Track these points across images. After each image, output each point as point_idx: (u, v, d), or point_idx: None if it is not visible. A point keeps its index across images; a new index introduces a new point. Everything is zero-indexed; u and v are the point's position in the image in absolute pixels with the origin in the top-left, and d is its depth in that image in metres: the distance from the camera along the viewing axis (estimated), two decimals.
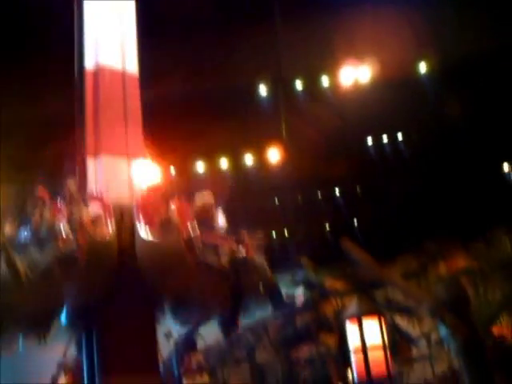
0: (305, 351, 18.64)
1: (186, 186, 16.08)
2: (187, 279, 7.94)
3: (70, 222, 7.88)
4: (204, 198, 8.60)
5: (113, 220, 8.14)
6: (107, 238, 7.93)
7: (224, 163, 15.97)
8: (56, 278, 7.36)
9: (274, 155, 15.87)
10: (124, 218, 8.41)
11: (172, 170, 15.38)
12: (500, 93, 16.04)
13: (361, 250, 17.89)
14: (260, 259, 8.37)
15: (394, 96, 16.07)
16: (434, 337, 17.86)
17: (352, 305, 10.54)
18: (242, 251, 8.18)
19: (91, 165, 9.30)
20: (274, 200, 17.87)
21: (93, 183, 9.29)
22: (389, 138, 17.08)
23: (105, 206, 8.31)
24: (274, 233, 19.07)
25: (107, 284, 7.78)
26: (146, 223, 8.25)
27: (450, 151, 16.59)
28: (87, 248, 7.57)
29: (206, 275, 7.91)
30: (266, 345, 18.87)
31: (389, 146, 17.03)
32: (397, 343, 17.34)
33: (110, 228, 8.05)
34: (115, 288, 7.76)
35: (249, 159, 15.94)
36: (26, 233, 7.81)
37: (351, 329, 10.49)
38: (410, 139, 17.06)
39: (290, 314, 19.60)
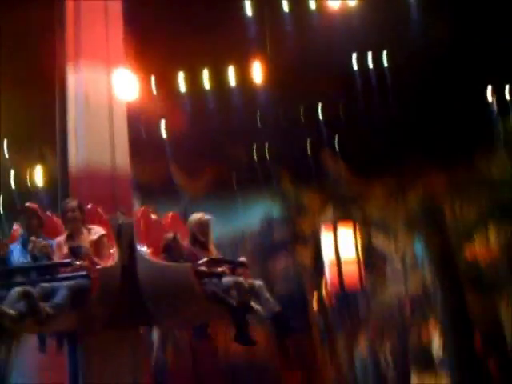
0: (281, 262, 18.91)
1: (166, 100, 16.08)
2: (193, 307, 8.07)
3: (74, 247, 7.83)
4: (199, 218, 8.65)
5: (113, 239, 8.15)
6: (112, 261, 7.91)
7: (206, 77, 15.81)
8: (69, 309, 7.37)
9: (257, 71, 15.72)
10: (123, 237, 8.40)
11: (152, 81, 15.24)
12: (488, 14, 15.93)
13: (340, 163, 17.98)
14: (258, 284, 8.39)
15: (379, 15, 15.93)
16: (409, 256, 18.12)
17: (328, 211, 10.50)
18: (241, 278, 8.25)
19: (71, 73, 9.27)
20: (256, 115, 17.83)
21: (72, 95, 9.29)
22: (373, 57, 16.93)
23: (104, 224, 8.26)
24: (255, 148, 19.11)
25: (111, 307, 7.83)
26: (145, 244, 8.30)
27: (434, 72, 16.54)
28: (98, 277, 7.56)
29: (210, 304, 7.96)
30: (243, 255, 19.04)
31: (373, 65, 16.91)
32: (371, 259, 17.63)
33: (111, 249, 8.06)
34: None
35: (231, 74, 15.77)
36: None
37: (326, 236, 10.40)
38: (394, 59, 16.94)
39: (268, 226, 19.82)
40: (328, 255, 10.13)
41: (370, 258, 17.30)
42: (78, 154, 8.95)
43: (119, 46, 9.36)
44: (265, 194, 19.54)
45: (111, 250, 8.03)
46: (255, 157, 19.13)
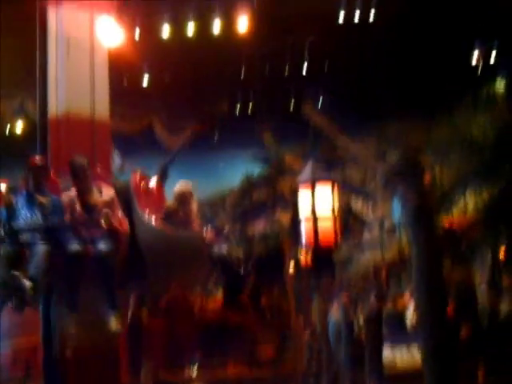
0: (260, 226, 18.85)
1: (150, 50, 15.73)
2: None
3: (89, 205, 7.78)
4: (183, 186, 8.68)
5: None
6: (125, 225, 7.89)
7: (190, 28, 15.47)
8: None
9: (242, 23, 15.41)
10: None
11: (136, 30, 14.90)
12: None
13: (322, 118, 17.82)
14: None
15: None
16: (387, 222, 18.10)
17: (306, 169, 10.20)
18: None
19: (52, 13, 8.99)
20: (240, 70, 17.56)
21: (53, 39, 9.02)
22: (360, 10, 16.62)
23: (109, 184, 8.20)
24: (238, 105, 18.85)
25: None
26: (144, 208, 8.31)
27: (421, 29, 16.32)
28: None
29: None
30: (222, 218, 18.98)
31: (359, 19, 16.62)
32: (349, 224, 17.59)
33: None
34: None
35: (216, 25, 15.46)
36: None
37: (303, 195, 10.12)
38: (381, 13, 16.65)
39: (248, 188, 19.70)
40: (304, 213, 9.84)
41: (348, 220, 17.26)
42: (57, 100, 8.82)
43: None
44: (247, 151, 19.38)
45: (120, 213, 7.95)
46: (237, 112, 18.89)
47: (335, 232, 9.93)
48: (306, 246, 10.25)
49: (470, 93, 17.72)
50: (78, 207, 7.67)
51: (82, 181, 7.83)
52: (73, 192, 7.81)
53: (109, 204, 7.82)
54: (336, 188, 10.11)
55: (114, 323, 7.63)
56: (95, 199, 7.79)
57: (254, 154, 19.61)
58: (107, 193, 7.95)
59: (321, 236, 9.77)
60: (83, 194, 7.77)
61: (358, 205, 18.88)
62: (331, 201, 9.98)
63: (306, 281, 13.66)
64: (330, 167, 15.80)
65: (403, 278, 16.74)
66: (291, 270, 15.06)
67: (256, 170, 19.81)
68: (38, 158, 8.07)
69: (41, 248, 7.32)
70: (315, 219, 9.74)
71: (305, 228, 9.90)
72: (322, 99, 18.86)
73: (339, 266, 15.25)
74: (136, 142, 16.53)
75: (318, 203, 9.84)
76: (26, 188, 7.81)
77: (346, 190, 17.14)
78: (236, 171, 19.69)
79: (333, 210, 9.94)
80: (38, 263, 7.24)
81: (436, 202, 16.09)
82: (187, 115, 18.34)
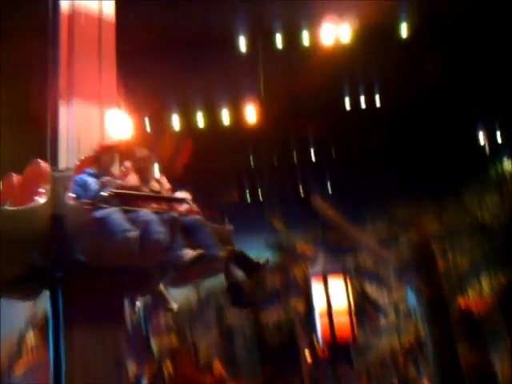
0: (273, 314, 18.54)
1: (159, 140, 15.87)
2: None
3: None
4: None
5: None
6: None
7: (199, 118, 15.67)
8: None
9: (250, 112, 15.58)
10: None
11: (145, 122, 15.09)
12: (479, 54, 15.90)
13: (331, 209, 17.76)
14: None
15: (373, 55, 15.89)
16: (402, 307, 17.85)
17: (318, 262, 10.20)
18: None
19: (63, 110, 9.07)
20: (249, 159, 17.70)
21: (64, 134, 9.08)
22: (366, 96, 16.83)
23: None
24: (247, 193, 18.89)
25: None
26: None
27: (426, 114, 16.46)
28: None
29: None
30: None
31: (366, 104, 16.81)
32: (364, 311, 17.32)
33: None
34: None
35: (224, 115, 15.64)
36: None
37: (317, 288, 10.11)
38: (387, 99, 16.85)
39: (260, 276, 19.45)
40: (319, 307, 9.75)
41: (363, 306, 17.00)
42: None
43: (112, 85, 9.16)
44: (258, 237, 19.28)
45: None
46: (248, 200, 18.91)
47: (351, 326, 9.82)
48: (322, 341, 10.12)
49: (478, 174, 17.70)
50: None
51: (143, 172, 8.10)
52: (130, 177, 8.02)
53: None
54: (349, 280, 10.07)
55: None
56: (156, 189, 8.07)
57: (265, 240, 19.52)
58: (164, 183, 8.26)
59: (337, 331, 9.65)
60: (147, 183, 8.06)
61: (372, 290, 18.64)
62: (345, 294, 9.91)
63: (323, 370, 13.39)
64: (341, 254, 15.73)
65: (421, 363, 16.43)
66: (308, 360, 14.77)
67: (267, 256, 19.63)
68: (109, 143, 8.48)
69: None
70: (330, 314, 9.64)
71: (320, 323, 9.80)
72: (331, 185, 18.88)
73: (356, 353, 15.00)
74: None
75: (331, 297, 9.77)
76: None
77: (359, 275, 16.99)
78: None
79: (347, 304, 9.85)
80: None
81: (450, 289, 15.91)
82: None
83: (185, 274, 8.26)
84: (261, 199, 18.94)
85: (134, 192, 7.78)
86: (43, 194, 7.45)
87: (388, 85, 16.71)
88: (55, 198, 7.40)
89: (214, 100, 15.74)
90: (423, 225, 17.18)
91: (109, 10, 9.45)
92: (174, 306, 8.67)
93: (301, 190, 18.89)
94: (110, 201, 7.39)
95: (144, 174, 8.11)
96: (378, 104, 16.62)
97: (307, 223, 18.27)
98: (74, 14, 9.17)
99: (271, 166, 17.65)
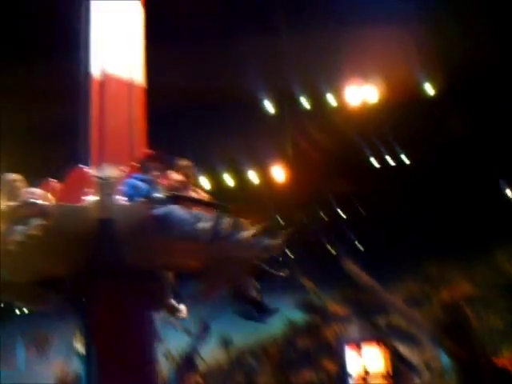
0: (305, 376, 18.27)
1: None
2: None
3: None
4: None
5: None
6: None
7: (227, 179, 15.76)
8: None
9: (277, 173, 15.67)
10: None
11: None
12: (503, 111, 15.89)
13: (362, 272, 17.66)
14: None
15: (399, 115, 15.95)
16: (436, 365, 17.55)
17: (352, 330, 10.16)
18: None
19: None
20: (278, 218, 17.66)
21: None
22: (393, 158, 16.87)
23: None
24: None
25: None
26: None
27: (454, 173, 16.42)
28: None
29: None
30: (266, 368, 18.51)
31: (393, 166, 16.83)
32: (398, 371, 17.03)
33: None
34: None
35: (252, 176, 15.72)
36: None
37: (351, 355, 10.08)
38: (414, 160, 16.85)
39: (292, 337, 19.26)
40: (354, 373, 9.65)
41: (397, 370, 16.73)
42: None
43: (142, 149, 9.21)
44: (289, 298, 19.11)
45: None
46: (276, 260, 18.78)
47: None
48: None
49: (508, 231, 17.51)
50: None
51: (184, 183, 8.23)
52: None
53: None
54: (382, 343, 9.96)
55: None
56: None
57: (296, 300, 19.36)
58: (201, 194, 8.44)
59: None
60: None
61: (405, 350, 18.36)
62: (379, 358, 9.80)
63: None
64: (372, 315, 15.56)
65: None
66: None
67: (299, 316, 19.47)
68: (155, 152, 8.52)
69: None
70: (365, 379, 9.53)
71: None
72: (362, 244, 18.78)
73: None
74: None
75: (366, 363, 9.69)
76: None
77: (391, 337, 16.77)
78: (277, 318, 19.36)
79: (382, 367, 9.73)
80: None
81: (485, 352, 15.64)
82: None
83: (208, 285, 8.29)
84: (290, 259, 18.84)
85: (186, 195, 7.92)
86: (88, 196, 7.51)
87: (416, 143, 16.72)
88: (103, 199, 7.46)
89: (244, 160, 15.85)
90: (455, 285, 17.01)
91: (139, 73, 9.56)
92: (184, 312, 8.60)
93: (332, 250, 18.78)
94: (164, 202, 7.43)
95: (184, 182, 8.30)
96: (407, 162, 16.60)
97: (338, 283, 18.17)
98: (104, 79, 9.28)
99: (300, 225, 17.61)
